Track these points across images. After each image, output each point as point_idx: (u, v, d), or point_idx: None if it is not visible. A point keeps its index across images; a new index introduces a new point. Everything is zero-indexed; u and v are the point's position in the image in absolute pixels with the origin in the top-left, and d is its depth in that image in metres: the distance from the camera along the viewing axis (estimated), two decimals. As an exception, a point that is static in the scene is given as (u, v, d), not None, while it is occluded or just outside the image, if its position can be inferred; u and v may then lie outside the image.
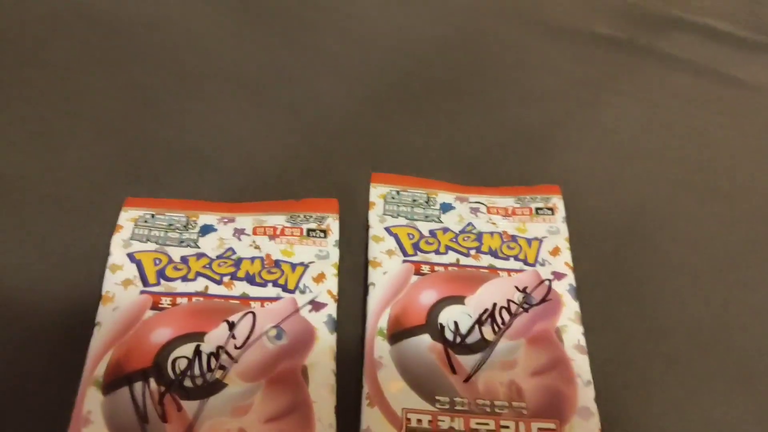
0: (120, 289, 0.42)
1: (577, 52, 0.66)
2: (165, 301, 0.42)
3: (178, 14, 0.64)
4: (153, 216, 0.47)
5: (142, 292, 0.42)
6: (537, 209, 0.51)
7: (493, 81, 0.63)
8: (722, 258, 0.51)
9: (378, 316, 0.44)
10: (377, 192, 0.51)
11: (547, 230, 0.50)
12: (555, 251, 0.48)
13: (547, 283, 0.46)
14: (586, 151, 0.58)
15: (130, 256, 0.44)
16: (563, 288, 0.46)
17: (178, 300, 0.42)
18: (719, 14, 0.70)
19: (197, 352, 0.40)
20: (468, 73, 0.63)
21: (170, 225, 0.46)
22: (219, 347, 0.40)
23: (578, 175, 0.56)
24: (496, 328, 0.44)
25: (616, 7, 0.70)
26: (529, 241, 0.49)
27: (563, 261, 0.48)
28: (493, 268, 0.47)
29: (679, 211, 0.54)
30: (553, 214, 0.51)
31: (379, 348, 0.42)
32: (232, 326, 0.41)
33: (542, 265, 0.48)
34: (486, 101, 0.61)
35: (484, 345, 0.43)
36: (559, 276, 0.47)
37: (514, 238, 0.49)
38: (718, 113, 0.62)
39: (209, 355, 0.40)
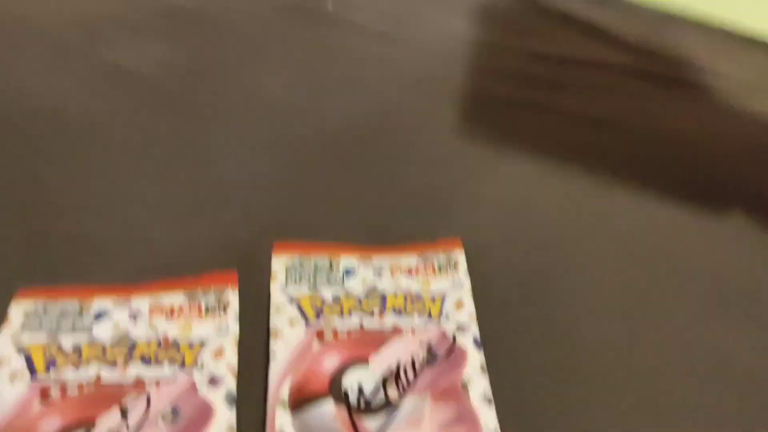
0: (5, 384, 0.41)
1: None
2: (54, 392, 0.40)
3: (76, 104, 0.65)
4: (45, 306, 0.46)
5: (31, 383, 0.41)
6: (440, 266, 0.51)
7: (394, 147, 0.64)
8: (628, 297, 0.52)
9: (279, 387, 0.43)
10: (280, 262, 0.51)
11: (450, 284, 0.50)
12: (458, 305, 0.49)
13: (450, 337, 0.46)
14: (486, 204, 0.59)
15: (19, 349, 0.43)
16: (468, 340, 0.46)
17: (68, 389, 0.41)
18: None
19: (86, 441, 0.38)
20: (368, 142, 0.65)
21: (62, 313, 0.45)
22: (110, 433, 0.39)
23: (480, 226, 0.57)
24: (401, 387, 0.43)
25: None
26: (433, 297, 0.49)
27: (467, 313, 0.48)
28: (397, 327, 0.47)
29: (582, 250, 0.55)
30: (455, 268, 0.51)
31: (281, 419, 0.41)
32: (124, 411, 0.40)
33: (447, 318, 0.48)
34: (387, 165, 0.62)
35: (388, 405, 0.42)
36: (463, 329, 0.47)
37: (418, 295, 0.49)
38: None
39: (99, 444, 0.38)
